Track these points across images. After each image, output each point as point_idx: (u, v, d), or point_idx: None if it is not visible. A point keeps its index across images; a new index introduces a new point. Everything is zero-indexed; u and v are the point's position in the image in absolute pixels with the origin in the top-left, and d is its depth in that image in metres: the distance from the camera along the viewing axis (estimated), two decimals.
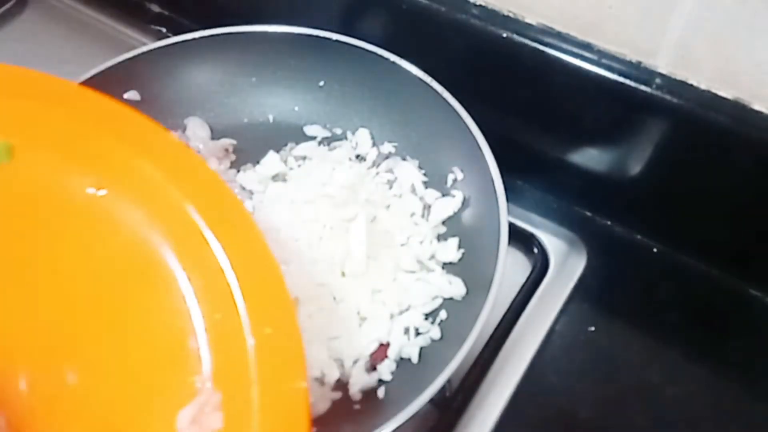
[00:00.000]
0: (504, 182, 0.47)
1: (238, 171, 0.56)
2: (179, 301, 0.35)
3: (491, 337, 0.51)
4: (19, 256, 0.37)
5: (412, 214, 0.52)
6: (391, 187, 0.54)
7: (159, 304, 0.36)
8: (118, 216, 0.37)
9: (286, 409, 0.31)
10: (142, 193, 0.37)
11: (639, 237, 0.56)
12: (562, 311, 0.52)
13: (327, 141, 0.58)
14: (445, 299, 0.48)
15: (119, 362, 0.35)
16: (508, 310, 0.52)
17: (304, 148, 0.57)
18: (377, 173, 0.55)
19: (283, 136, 0.58)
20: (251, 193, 0.54)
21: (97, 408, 0.34)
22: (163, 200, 0.37)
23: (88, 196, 0.37)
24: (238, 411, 0.32)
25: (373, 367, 0.47)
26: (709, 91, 0.47)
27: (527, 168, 0.57)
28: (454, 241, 0.51)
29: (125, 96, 0.54)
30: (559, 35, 0.50)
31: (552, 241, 0.56)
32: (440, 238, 0.52)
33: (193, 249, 0.36)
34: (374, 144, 0.57)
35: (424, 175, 0.54)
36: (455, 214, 0.52)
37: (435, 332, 0.47)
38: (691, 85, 0.47)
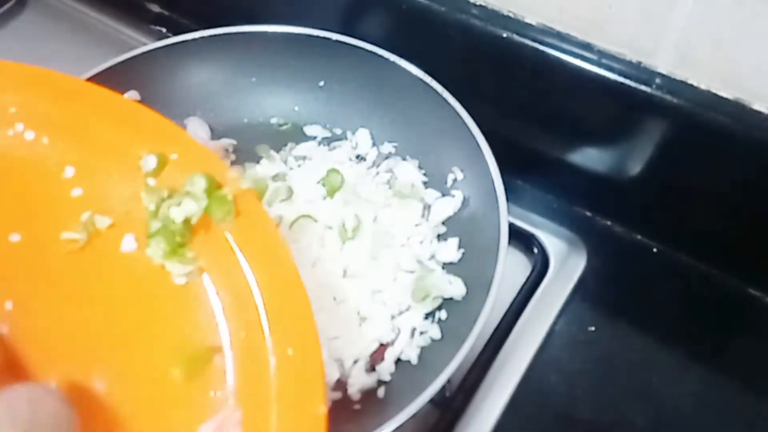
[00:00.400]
0: (504, 182, 0.47)
1: None
2: (208, 317, 0.36)
3: (491, 337, 0.51)
4: (51, 267, 0.38)
5: (412, 214, 0.52)
6: (391, 187, 0.54)
7: (188, 318, 0.36)
8: None
9: (303, 431, 0.31)
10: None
11: (639, 237, 0.56)
12: (562, 311, 0.52)
13: (327, 141, 0.58)
14: (445, 299, 0.48)
15: (146, 372, 0.35)
16: (508, 310, 0.52)
17: (304, 148, 0.57)
18: (377, 173, 0.55)
19: (283, 136, 0.58)
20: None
21: (121, 416, 0.34)
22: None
23: None
24: (257, 429, 0.32)
25: (372, 368, 0.47)
26: (709, 91, 0.47)
27: (527, 168, 0.57)
28: (454, 241, 0.51)
29: (125, 96, 0.54)
30: (559, 35, 0.50)
31: (552, 241, 0.56)
32: (440, 238, 0.52)
33: (222, 266, 0.36)
34: (374, 144, 0.57)
35: (424, 175, 0.54)
36: (455, 214, 0.52)
37: (435, 332, 0.47)
38: (691, 85, 0.47)
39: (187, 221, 0.36)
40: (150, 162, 0.37)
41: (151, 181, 0.37)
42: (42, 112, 0.39)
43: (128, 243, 0.37)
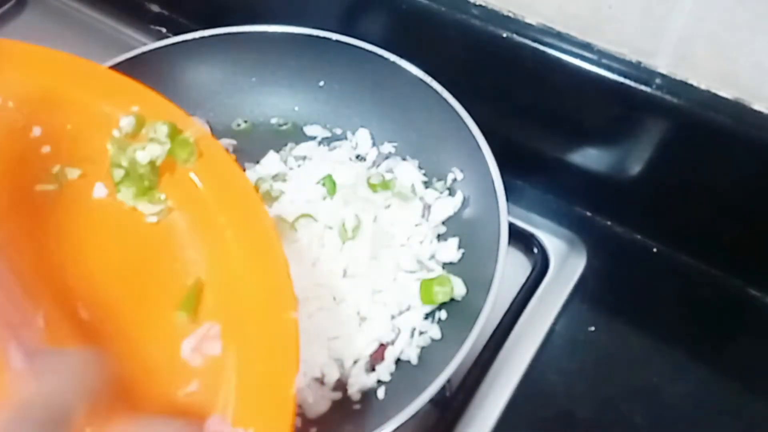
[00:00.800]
0: (504, 182, 0.47)
1: None
2: (181, 249, 0.39)
3: (491, 337, 0.51)
4: (29, 216, 0.41)
5: (412, 214, 0.52)
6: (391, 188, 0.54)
7: (162, 252, 0.39)
8: None
9: (278, 337, 0.34)
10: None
11: (639, 237, 0.56)
12: (562, 311, 0.52)
13: (327, 141, 0.58)
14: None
15: (126, 300, 0.39)
16: (508, 310, 0.52)
17: (304, 148, 0.57)
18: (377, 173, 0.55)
19: (283, 136, 0.58)
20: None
21: (107, 342, 0.37)
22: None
23: None
24: (236, 339, 0.35)
25: (372, 368, 0.47)
26: (709, 91, 0.47)
27: (527, 168, 0.57)
28: (454, 241, 0.51)
29: None
30: (559, 35, 0.50)
31: (552, 241, 0.56)
32: (440, 238, 0.52)
33: (190, 203, 0.40)
34: (374, 144, 0.57)
35: (424, 175, 0.54)
36: (455, 214, 0.52)
37: (435, 332, 0.47)
38: (691, 85, 0.47)
39: (152, 164, 0.39)
40: (128, 123, 0.40)
41: (116, 132, 0.40)
42: (4, 79, 0.41)
43: (99, 190, 0.41)
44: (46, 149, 0.41)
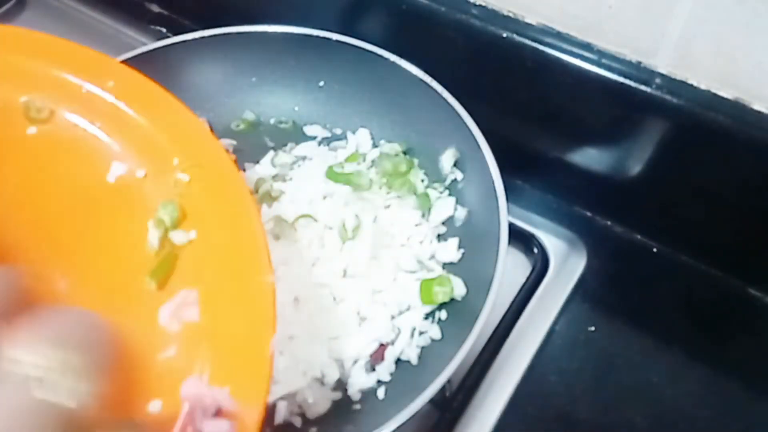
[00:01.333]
0: (504, 182, 0.47)
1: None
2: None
3: (491, 337, 0.51)
4: (22, 183, 0.41)
5: (412, 214, 0.52)
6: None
7: (141, 223, 0.39)
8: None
9: (255, 301, 0.35)
10: (127, 134, 0.41)
11: (639, 237, 0.56)
12: (562, 311, 0.52)
13: (327, 141, 0.58)
14: None
15: (107, 269, 0.39)
16: (508, 310, 0.52)
17: (304, 148, 0.57)
18: (377, 173, 0.55)
19: (283, 136, 0.58)
20: (252, 193, 0.54)
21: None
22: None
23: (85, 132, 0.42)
24: (213, 305, 0.36)
25: (372, 368, 0.47)
26: (709, 91, 0.47)
27: (527, 168, 0.57)
28: (454, 241, 0.51)
29: None
30: (559, 35, 0.50)
31: (552, 241, 0.56)
32: (440, 238, 0.52)
33: (163, 173, 0.40)
34: (374, 144, 0.57)
35: (424, 174, 0.54)
36: (455, 214, 0.52)
37: (435, 332, 0.47)
38: (691, 85, 0.47)
39: None
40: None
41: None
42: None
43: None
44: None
